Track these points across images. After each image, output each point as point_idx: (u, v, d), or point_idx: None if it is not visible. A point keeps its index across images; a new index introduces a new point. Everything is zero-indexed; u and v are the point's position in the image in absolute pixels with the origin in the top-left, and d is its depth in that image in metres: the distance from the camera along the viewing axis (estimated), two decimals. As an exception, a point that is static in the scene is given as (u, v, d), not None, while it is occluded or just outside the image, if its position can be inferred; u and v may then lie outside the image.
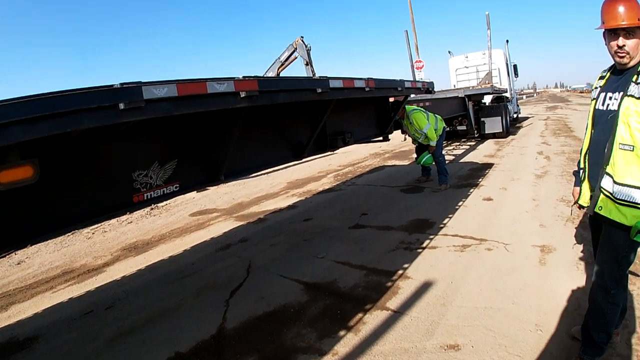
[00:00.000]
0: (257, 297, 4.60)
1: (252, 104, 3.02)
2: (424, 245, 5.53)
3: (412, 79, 7.00)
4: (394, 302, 4.13)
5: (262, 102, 3.15)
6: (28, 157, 2.17)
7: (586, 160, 2.93)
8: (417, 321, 3.74)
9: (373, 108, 6.83)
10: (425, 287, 4.35)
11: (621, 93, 2.56)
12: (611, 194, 2.60)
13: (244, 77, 2.94)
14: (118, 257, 6.90)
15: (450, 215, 6.71)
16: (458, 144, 16.25)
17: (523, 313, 3.66)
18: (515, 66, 20.86)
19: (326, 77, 3.86)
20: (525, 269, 4.52)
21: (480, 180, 9.16)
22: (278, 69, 18.28)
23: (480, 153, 13.20)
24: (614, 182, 2.57)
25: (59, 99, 1.92)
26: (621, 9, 2.47)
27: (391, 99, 7.18)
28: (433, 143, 8.72)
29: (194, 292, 4.96)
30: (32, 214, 2.58)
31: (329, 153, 5.67)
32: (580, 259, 4.64)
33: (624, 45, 2.52)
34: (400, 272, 4.79)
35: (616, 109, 2.56)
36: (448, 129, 16.26)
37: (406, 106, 8.19)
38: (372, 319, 3.87)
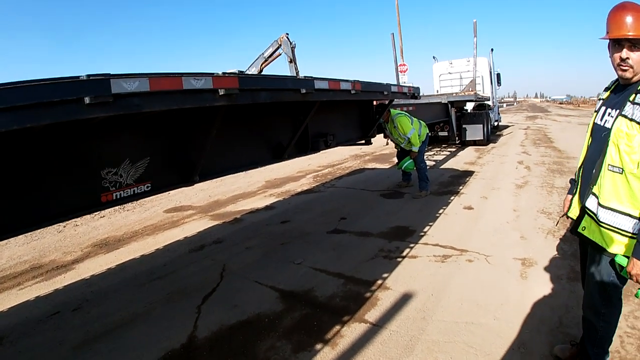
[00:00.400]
0: (230, 304, 4.42)
1: (232, 103, 2.87)
2: (404, 254, 5.40)
3: (396, 83, 6.87)
4: (373, 314, 3.98)
5: (243, 101, 3.01)
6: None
7: (580, 173, 2.79)
8: (396, 335, 3.60)
9: (357, 110, 6.71)
10: (405, 299, 4.21)
11: (617, 111, 2.42)
12: (595, 215, 2.49)
13: (223, 73, 2.77)
14: (88, 254, 6.68)
15: (430, 223, 6.59)
16: (439, 149, 16.21)
17: (505, 329, 3.56)
18: (498, 75, 20.94)
19: (312, 77, 3.70)
20: (506, 282, 4.42)
21: (461, 187, 9.07)
22: (261, 65, 18.16)
23: (461, 160, 13.14)
24: (599, 203, 2.47)
25: (16, 91, 1.74)
26: (629, 18, 2.27)
27: (375, 102, 7.05)
28: (415, 149, 8.59)
29: (165, 297, 4.75)
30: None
31: (312, 154, 5.52)
32: (561, 273, 4.56)
33: (627, 58, 2.32)
34: (379, 282, 4.64)
35: (610, 127, 2.43)
36: (430, 134, 16.31)
37: (391, 109, 8.10)
38: (350, 332, 3.72)
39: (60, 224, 8.12)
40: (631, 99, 2.31)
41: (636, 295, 2.37)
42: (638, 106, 2.26)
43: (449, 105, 14.21)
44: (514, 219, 6.53)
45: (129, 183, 3.13)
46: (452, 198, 8.19)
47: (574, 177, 2.98)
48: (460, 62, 18.55)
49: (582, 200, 2.67)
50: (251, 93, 3.06)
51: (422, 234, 6.14)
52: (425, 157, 8.77)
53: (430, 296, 4.22)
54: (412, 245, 5.69)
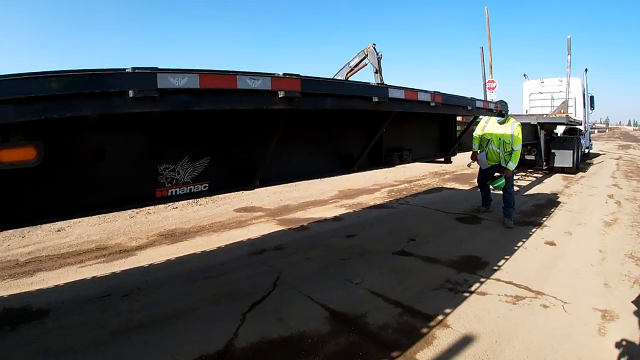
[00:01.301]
0: (276, 316, 4.20)
1: (292, 107, 2.65)
2: (472, 289, 4.93)
3: (483, 99, 6.44)
4: (426, 354, 3.58)
5: (305, 106, 2.79)
6: (33, 139, 2.06)
7: None
8: (449, 383, 3.20)
9: (437, 125, 6.38)
10: (465, 341, 3.77)
11: None
12: None
13: (284, 74, 2.56)
14: (153, 242, 6.80)
15: (506, 257, 6.05)
16: (524, 174, 15.39)
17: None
18: (592, 97, 19.84)
19: (385, 85, 3.40)
20: (582, 337, 3.87)
21: (544, 219, 8.38)
22: (347, 74, 18.20)
23: (547, 188, 12.32)
24: None
25: (57, 80, 1.70)
26: None
27: (460, 118, 6.67)
28: (513, 166, 7.82)
29: (214, 297, 4.66)
30: (35, 197, 2.45)
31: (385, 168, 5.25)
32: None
33: None
34: (440, 317, 4.22)
35: None
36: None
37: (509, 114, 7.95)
38: (397, 371, 3.36)
39: (134, 210, 8.35)
40: None
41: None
42: None
43: (538, 127, 13.50)
44: (598, 262, 5.89)
45: (185, 181, 3.10)
46: (533, 230, 7.57)
47: None
48: (552, 81, 17.64)
49: None
50: (315, 97, 2.84)
51: (496, 268, 5.62)
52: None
53: (494, 343, 3.76)
54: (482, 279, 5.21)
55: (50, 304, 4.48)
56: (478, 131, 8.02)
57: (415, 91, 3.81)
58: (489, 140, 7.90)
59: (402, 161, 5.26)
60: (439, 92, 4.14)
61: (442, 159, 6.63)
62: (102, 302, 4.51)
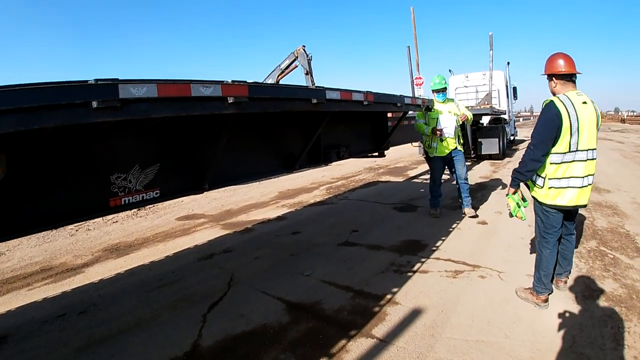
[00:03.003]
0: (236, 314, 4.37)
1: (241, 111, 2.84)
2: (415, 268, 5.30)
3: (411, 95, 6.79)
4: (380, 329, 3.89)
5: (252, 110, 2.97)
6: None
7: None
8: (403, 352, 3.50)
9: (370, 122, 6.66)
10: (414, 314, 4.11)
11: None
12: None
13: (233, 81, 2.73)
14: (99, 258, 6.72)
15: (443, 238, 6.48)
16: (454, 163, 15.94)
17: (516, 349, 3.45)
18: (514, 88, 20.71)
19: (323, 87, 3.65)
20: (519, 300, 4.30)
21: (475, 202, 8.88)
22: (278, 77, 18.26)
23: (476, 174, 12.93)
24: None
25: (23, 93, 1.74)
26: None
27: (390, 114, 7.00)
28: (467, 113, 8.00)
29: (171, 304, 4.73)
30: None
31: (323, 165, 5.47)
32: (576, 291, 4.45)
33: None
34: (388, 296, 4.55)
35: None
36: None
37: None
38: (356, 347, 3.64)
39: (73, 227, 8.24)
40: None
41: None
42: None
43: (464, 119, 14.04)
44: (528, 235, 6.37)
45: (138, 189, 3.13)
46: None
47: None
48: (476, 75, 18.32)
49: None
50: (261, 102, 3.02)
51: (434, 248, 6.03)
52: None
53: (440, 312, 4.12)
54: (423, 259, 5.59)
55: (6, 330, 4.41)
56: (422, 119, 7.72)
57: (350, 92, 4.10)
58: (436, 120, 7.65)
59: (340, 157, 5.51)
60: (371, 92, 4.44)
61: (377, 153, 6.95)
62: (59, 322, 4.47)
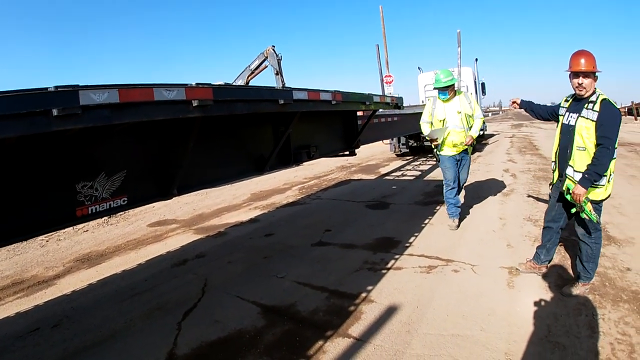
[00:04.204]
0: (211, 320, 4.32)
1: (206, 114, 2.79)
2: (389, 265, 5.32)
3: (381, 94, 6.71)
4: (356, 328, 3.89)
5: (218, 113, 2.93)
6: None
7: (557, 157, 4.43)
8: (380, 350, 3.51)
9: (340, 121, 6.62)
10: (389, 312, 4.12)
11: (577, 114, 4.06)
12: (572, 177, 4.10)
13: (197, 84, 2.69)
14: (70, 269, 6.59)
15: (416, 234, 6.52)
16: (425, 159, 16.21)
17: (492, 341, 3.48)
18: (483, 84, 20.93)
19: (290, 88, 3.62)
20: (493, 292, 4.35)
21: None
22: (248, 77, 18.12)
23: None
24: (574, 170, 4.09)
25: None
26: (582, 60, 3.92)
27: (362, 113, 6.98)
28: (476, 132, 6.85)
29: (145, 313, 4.66)
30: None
31: (294, 166, 5.43)
32: (549, 281, 4.52)
33: (582, 83, 3.96)
34: (363, 295, 4.55)
35: (574, 124, 4.09)
36: (415, 144, 16.26)
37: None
38: (333, 347, 3.63)
39: (44, 238, 8.05)
40: (585, 106, 3.98)
41: (565, 193, 4.19)
42: (590, 110, 3.91)
43: (435, 116, 14.08)
44: (500, 228, 6.47)
45: (104, 197, 3.04)
46: (437, 208, 8.12)
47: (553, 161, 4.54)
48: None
49: (561, 172, 4.32)
50: (227, 104, 2.98)
51: (408, 244, 6.06)
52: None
53: (415, 308, 4.14)
54: (397, 256, 5.61)
55: (-20, 347, 4.29)
56: (426, 117, 7.06)
57: (317, 91, 4.08)
58: (442, 122, 6.85)
59: (310, 157, 5.46)
60: (338, 91, 4.43)
61: (348, 152, 6.91)
62: (32, 337, 4.37)
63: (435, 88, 6.83)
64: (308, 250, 6.26)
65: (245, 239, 7.19)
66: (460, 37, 16.55)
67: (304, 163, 5.49)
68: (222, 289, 5.10)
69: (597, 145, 3.84)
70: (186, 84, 2.61)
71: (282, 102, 3.49)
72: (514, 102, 5.18)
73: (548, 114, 4.77)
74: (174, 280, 5.58)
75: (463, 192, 7.13)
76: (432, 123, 6.94)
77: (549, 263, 4.81)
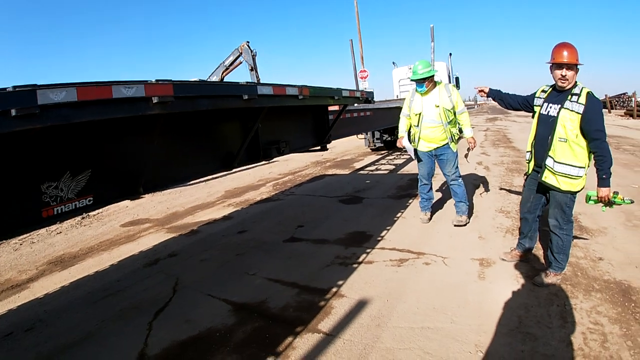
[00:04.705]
0: (182, 319, 4.27)
1: (168, 111, 2.76)
2: (360, 260, 5.31)
3: (353, 88, 6.63)
4: (326, 323, 3.87)
5: (180, 109, 2.90)
6: None
7: (533, 147, 4.41)
8: (350, 345, 3.50)
9: (311, 116, 6.60)
10: (359, 306, 4.12)
11: (559, 105, 4.03)
12: (552, 168, 4.10)
13: (157, 80, 2.64)
14: (43, 272, 6.48)
15: (388, 228, 6.53)
16: (399, 153, 16.26)
17: (462, 333, 3.49)
18: (457, 78, 21.06)
19: (254, 83, 3.59)
20: (464, 284, 4.37)
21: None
22: (222, 74, 18.08)
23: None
24: (555, 161, 4.07)
25: None
26: (565, 52, 3.91)
27: (335, 108, 6.96)
28: (470, 132, 6.61)
29: (117, 314, 4.59)
30: None
31: (265, 162, 5.38)
32: (521, 272, 4.55)
33: (565, 75, 3.94)
34: (334, 289, 4.54)
35: (555, 115, 4.04)
36: (389, 138, 16.31)
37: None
38: (303, 343, 3.61)
39: (17, 241, 8.00)
40: (569, 98, 3.96)
41: (587, 201, 4.18)
42: (575, 103, 3.89)
43: (408, 110, 14.10)
44: (472, 220, 6.52)
45: (70, 197, 2.99)
46: (410, 201, 8.15)
47: (528, 151, 4.52)
48: None
49: (538, 162, 4.31)
50: (189, 100, 2.96)
51: (380, 238, 6.07)
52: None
53: (386, 302, 4.14)
54: (368, 250, 5.61)
55: (-46, 353, 4.21)
56: (405, 110, 6.71)
57: (283, 86, 4.05)
58: (419, 116, 6.49)
59: (280, 153, 5.44)
60: (306, 86, 4.41)
61: (319, 147, 6.88)
62: (6, 342, 4.27)
63: (412, 80, 6.34)
64: (280, 247, 6.23)
65: (218, 237, 7.13)
66: (433, 32, 16.65)
67: (279, 158, 5.46)
68: (193, 288, 5.05)
69: (592, 140, 3.84)
70: (146, 81, 2.57)
71: (246, 97, 3.45)
72: (481, 91, 5.13)
73: (519, 103, 4.73)
74: (146, 280, 5.50)
75: (462, 189, 6.58)
76: (410, 116, 6.67)
77: (533, 249, 4.89)
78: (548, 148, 4.10)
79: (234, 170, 4.78)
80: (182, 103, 2.86)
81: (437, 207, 7.42)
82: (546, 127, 4.16)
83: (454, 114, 6.36)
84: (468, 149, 6.74)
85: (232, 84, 3.46)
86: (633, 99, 31.93)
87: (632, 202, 4.18)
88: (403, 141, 6.87)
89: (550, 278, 4.23)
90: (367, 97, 6.65)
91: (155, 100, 2.58)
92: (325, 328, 3.80)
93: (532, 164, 4.47)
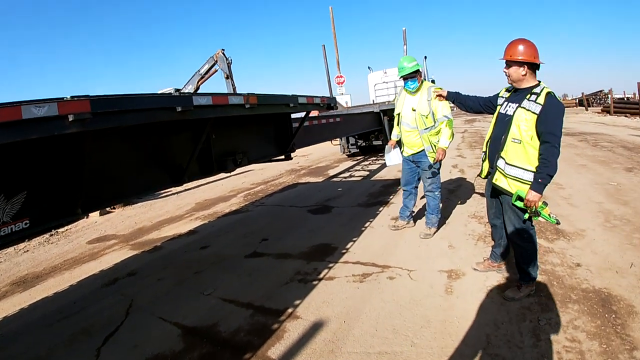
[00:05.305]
0: (131, 344, 4.04)
1: (87, 129, 2.53)
2: (321, 275, 5.06)
3: (312, 95, 6.35)
4: (277, 349, 3.62)
5: (102, 125, 2.67)
6: None
7: (487, 147, 4.16)
8: (299, 374, 3.25)
9: (272, 125, 6.36)
10: (314, 328, 3.86)
11: (517, 104, 3.78)
12: (503, 170, 3.86)
13: (72, 97, 2.43)
14: (5, 293, 6.26)
15: (354, 239, 6.28)
16: (375, 159, 16.11)
17: (423, 357, 3.24)
18: (432, 81, 21.07)
19: (189, 93, 3.36)
20: (429, 300, 4.12)
21: (391, 197, 8.82)
22: (198, 82, 17.95)
23: (395, 168, 12.71)
24: (506, 163, 3.83)
25: None
26: (506, 48, 3.82)
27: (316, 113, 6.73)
28: (447, 142, 5.78)
29: (69, 338, 4.39)
30: None
31: (227, 174, 5.15)
32: (491, 284, 4.32)
33: (506, 72, 3.88)
34: (290, 310, 4.29)
35: (511, 114, 3.79)
36: (364, 144, 16.16)
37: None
38: (250, 372, 3.35)
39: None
40: (527, 97, 3.70)
41: (513, 200, 3.79)
42: (533, 102, 3.62)
43: (382, 114, 13.98)
44: (443, 227, 6.29)
45: (5, 221, 2.82)
46: (380, 209, 7.93)
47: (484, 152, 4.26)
48: (394, 70, 18.45)
49: (492, 163, 4.06)
50: (113, 116, 2.73)
51: (344, 251, 5.81)
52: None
53: (343, 324, 3.88)
54: (331, 265, 5.36)
55: None
56: (397, 109, 6.18)
57: (225, 96, 3.80)
58: (398, 117, 6.15)
59: (237, 165, 5.20)
60: (253, 94, 4.15)
61: (282, 157, 6.64)
62: None
63: (401, 77, 5.80)
64: (241, 262, 5.97)
65: (179, 253, 6.86)
66: (405, 34, 16.61)
67: (254, 167, 5.26)
68: (147, 310, 4.80)
69: (543, 142, 3.54)
70: (60, 98, 2.37)
71: (179, 109, 3.20)
72: (439, 95, 4.98)
73: (481, 105, 4.51)
74: (102, 301, 5.26)
75: (436, 203, 6.11)
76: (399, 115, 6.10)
77: (506, 258, 4.61)
78: (500, 148, 3.87)
79: (184, 185, 4.55)
80: (103, 119, 2.64)
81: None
82: (501, 126, 3.95)
83: (435, 121, 5.73)
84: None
85: (163, 95, 3.22)
86: (609, 96, 32.40)
87: (558, 222, 3.73)
88: (386, 148, 6.50)
89: (523, 290, 3.97)
90: (329, 103, 6.34)
91: (71, 118, 2.38)
92: (275, 354, 3.54)
93: (486, 164, 4.19)
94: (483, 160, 4.23)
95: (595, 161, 10.54)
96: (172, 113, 3.19)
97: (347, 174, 13.31)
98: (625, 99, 34.16)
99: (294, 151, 6.79)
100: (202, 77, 17.96)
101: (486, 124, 31.19)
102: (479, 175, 4.35)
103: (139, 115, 2.95)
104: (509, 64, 3.79)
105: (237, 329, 4.07)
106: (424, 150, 5.90)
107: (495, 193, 4.17)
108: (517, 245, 4.00)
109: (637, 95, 28.89)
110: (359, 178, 12.31)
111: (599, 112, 31.76)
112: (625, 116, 26.43)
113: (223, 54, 17.12)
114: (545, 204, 3.64)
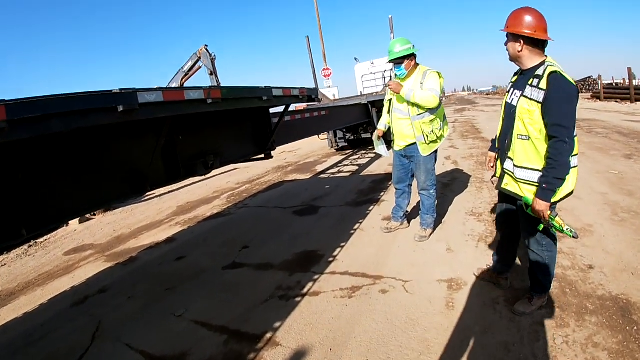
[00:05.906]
0: (93, 378, 3.53)
1: (5, 140, 2.07)
2: (305, 290, 4.52)
3: (290, 86, 5.76)
4: (252, 387, 3.09)
5: (21, 136, 2.18)
6: None
7: (499, 144, 3.52)
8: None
9: (249, 122, 5.81)
10: (296, 359, 3.34)
11: (520, 92, 3.11)
12: (512, 173, 3.26)
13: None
14: None
15: (342, 244, 5.73)
16: (364, 152, 15.66)
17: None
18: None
19: (134, 89, 2.80)
20: (427, 318, 3.60)
21: (382, 194, 8.30)
22: (182, 80, 17.62)
23: (386, 161, 12.27)
24: (514, 165, 3.23)
25: None
26: (507, 18, 3.13)
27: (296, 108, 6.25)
28: (408, 93, 5.08)
29: None
30: None
31: (207, 175, 4.65)
32: (497, 295, 3.82)
33: (506, 48, 3.22)
34: (268, 335, 3.74)
35: (515, 105, 3.16)
36: (353, 137, 15.70)
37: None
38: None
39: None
40: (529, 82, 3.01)
41: (538, 228, 3.14)
42: (535, 88, 2.95)
43: (370, 106, 13.46)
44: (439, 227, 5.78)
45: None
46: (371, 208, 7.41)
47: (494, 139, 3.78)
48: (382, 61, 18.13)
49: (502, 163, 3.42)
50: (37, 123, 2.23)
51: (331, 259, 5.27)
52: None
53: (329, 352, 3.35)
54: (316, 277, 4.82)
55: None
56: (388, 95, 5.65)
57: (180, 91, 3.24)
58: (389, 104, 5.66)
59: (209, 168, 4.69)
60: (215, 87, 3.60)
61: (262, 156, 6.11)
62: None
63: (390, 61, 5.28)
64: (218, 275, 5.43)
65: (154, 265, 6.34)
66: (392, 23, 16.15)
67: (240, 166, 4.75)
68: (112, 335, 4.31)
69: (549, 137, 2.89)
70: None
71: (122, 109, 2.65)
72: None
73: None
74: (69, 324, 4.80)
75: (432, 202, 5.59)
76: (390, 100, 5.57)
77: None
78: (507, 148, 3.28)
79: (147, 194, 4.05)
80: (24, 128, 2.17)
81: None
82: (508, 121, 3.31)
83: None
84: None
85: (100, 93, 2.64)
86: (599, 81, 32.18)
87: (575, 236, 3.02)
88: (373, 136, 6.00)
89: (534, 303, 3.47)
90: (310, 95, 5.70)
91: (-18, 128, 1.91)
92: (250, 393, 3.02)
93: (499, 163, 3.52)
94: (496, 159, 3.63)
95: (593, 148, 10.12)
96: (112, 114, 2.64)
97: (335, 170, 12.80)
98: (615, 84, 34.02)
99: (274, 149, 6.25)
100: (186, 74, 17.70)
101: (476, 113, 30.92)
102: (494, 175, 3.67)
103: (69, 120, 2.41)
104: (508, 37, 3.15)
105: (208, 359, 3.56)
106: (416, 143, 5.35)
107: (505, 198, 3.61)
108: (533, 254, 3.41)
109: (626, 80, 28.69)
110: (348, 174, 11.81)
111: (588, 98, 31.69)
112: (616, 101, 26.40)
113: (206, 49, 16.86)
114: (556, 214, 3.02)
